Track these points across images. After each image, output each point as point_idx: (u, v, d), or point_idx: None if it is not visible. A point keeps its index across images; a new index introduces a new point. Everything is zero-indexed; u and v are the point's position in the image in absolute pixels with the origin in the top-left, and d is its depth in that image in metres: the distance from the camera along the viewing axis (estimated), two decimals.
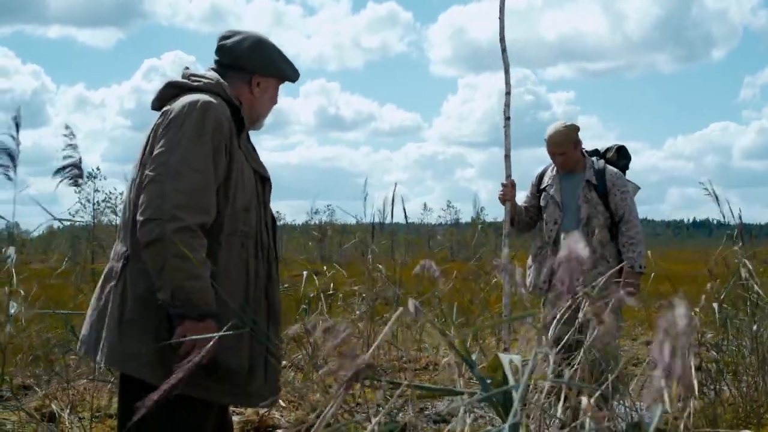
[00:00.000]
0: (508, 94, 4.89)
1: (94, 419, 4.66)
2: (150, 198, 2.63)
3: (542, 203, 5.52)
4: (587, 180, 5.38)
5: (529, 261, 5.64)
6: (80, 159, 3.94)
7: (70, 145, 3.91)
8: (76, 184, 3.91)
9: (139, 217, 2.64)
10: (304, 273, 6.94)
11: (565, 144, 5.36)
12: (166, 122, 2.75)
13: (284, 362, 6.45)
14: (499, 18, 4.90)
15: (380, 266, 6.99)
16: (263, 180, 2.99)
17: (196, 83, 2.89)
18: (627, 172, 5.67)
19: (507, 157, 5.06)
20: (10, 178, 3.68)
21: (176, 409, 2.75)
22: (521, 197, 5.60)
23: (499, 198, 5.25)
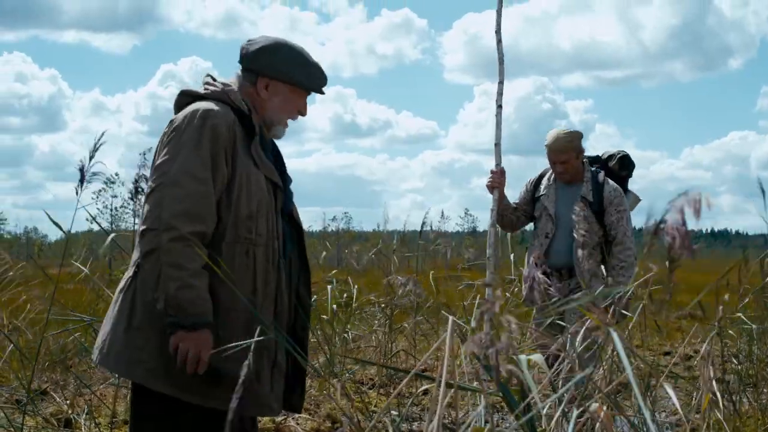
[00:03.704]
0: (501, 83, 4.69)
1: (112, 425, 4.66)
2: (150, 208, 2.69)
3: (536, 214, 5.32)
4: (583, 196, 5.14)
5: (525, 272, 5.41)
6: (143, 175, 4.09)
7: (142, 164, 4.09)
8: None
9: (141, 227, 2.71)
10: (329, 287, 6.93)
11: (566, 152, 5.12)
12: (170, 131, 2.81)
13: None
14: (497, 10, 4.66)
15: (400, 277, 6.96)
16: (275, 187, 2.96)
17: (204, 91, 2.93)
18: (629, 181, 5.47)
19: (497, 145, 4.78)
20: (76, 193, 3.78)
21: (182, 417, 2.78)
22: (511, 197, 5.39)
23: (487, 186, 4.98)
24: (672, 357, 7.32)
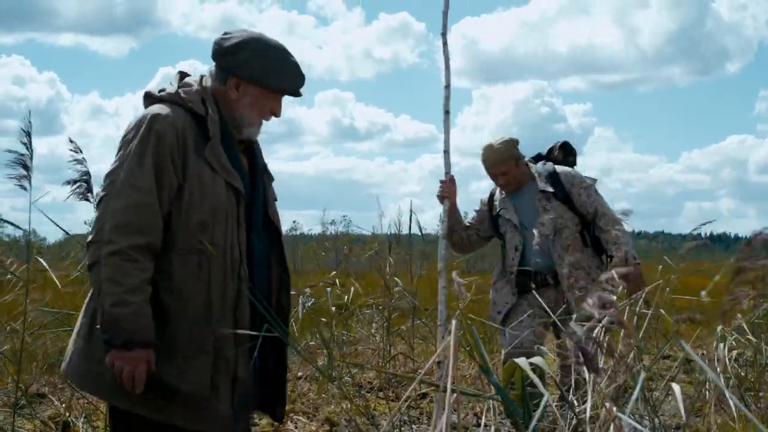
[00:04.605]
0: (447, 87, 4.30)
1: (109, 429, 4.64)
2: (95, 219, 2.65)
3: (502, 230, 4.99)
4: (542, 191, 4.85)
5: (492, 292, 5.09)
6: (88, 173, 3.91)
7: (77, 159, 3.85)
8: (86, 199, 3.88)
9: (88, 238, 2.66)
10: (328, 290, 6.91)
11: (503, 163, 4.84)
12: (122, 138, 2.75)
13: (300, 374, 6.45)
14: (443, 12, 4.27)
15: (397, 279, 6.95)
16: (237, 193, 2.82)
17: (160, 94, 2.84)
18: (575, 168, 5.12)
19: (446, 152, 4.40)
20: (24, 188, 3.67)
21: (154, 430, 2.73)
22: (466, 216, 5.21)
23: (438, 196, 4.67)
24: (672, 361, 7.30)
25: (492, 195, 5.13)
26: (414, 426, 5.31)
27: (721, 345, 4.39)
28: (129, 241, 2.58)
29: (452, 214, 4.78)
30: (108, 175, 2.68)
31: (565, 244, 4.76)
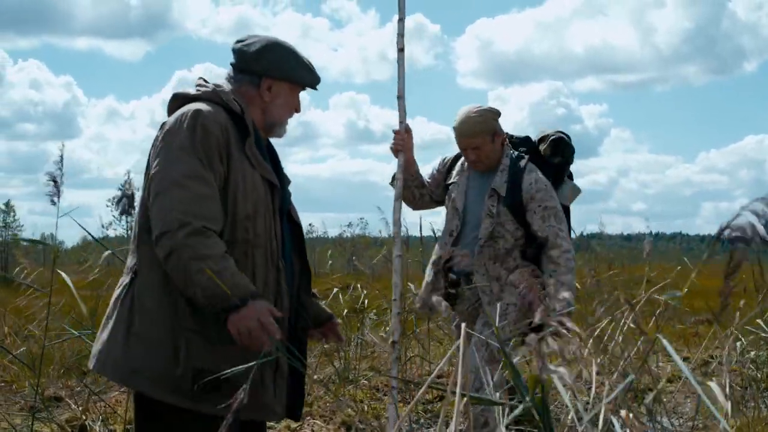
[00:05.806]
0: (401, 20, 3.69)
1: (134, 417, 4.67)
2: (158, 213, 2.63)
3: (446, 205, 4.48)
4: (494, 188, 4.21)
5: (428, 270, 4.54)
6: (132, 193, 4.15)
7: (127, 182, 4.16)
8: (128, 213, 4.13)
9: (154, 233, 2.63)
10: (335, 290, 6.92)
11: (478, 136, 4.22)
12: (162, 135, 2.76)
13: (315, 377, 6.46)
14: None
15: (410, 284, 6.96)
16: (272, 187, 2.88)
17: (194, 93, 2.87)
18: (567, 168, 4.49)
19: (400, 98, 3.74)
20: (54, 203, 3.79)
21: (184, 424, 2.71)
22: (424, 172, 4.57)
23: (391, 148, 4.05)
24: (689, 363, 7.27)
25: (455, 160, 4.56)
26: (427, 429, 5.31)
27: (733, 347, 4.37)
28: (202, 222, 2.59)
29: (408, 167, 4.23)
30: (159, 172, 2.67)
31: (494, 255, 4.23)
